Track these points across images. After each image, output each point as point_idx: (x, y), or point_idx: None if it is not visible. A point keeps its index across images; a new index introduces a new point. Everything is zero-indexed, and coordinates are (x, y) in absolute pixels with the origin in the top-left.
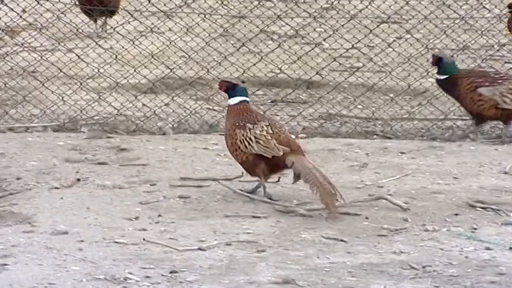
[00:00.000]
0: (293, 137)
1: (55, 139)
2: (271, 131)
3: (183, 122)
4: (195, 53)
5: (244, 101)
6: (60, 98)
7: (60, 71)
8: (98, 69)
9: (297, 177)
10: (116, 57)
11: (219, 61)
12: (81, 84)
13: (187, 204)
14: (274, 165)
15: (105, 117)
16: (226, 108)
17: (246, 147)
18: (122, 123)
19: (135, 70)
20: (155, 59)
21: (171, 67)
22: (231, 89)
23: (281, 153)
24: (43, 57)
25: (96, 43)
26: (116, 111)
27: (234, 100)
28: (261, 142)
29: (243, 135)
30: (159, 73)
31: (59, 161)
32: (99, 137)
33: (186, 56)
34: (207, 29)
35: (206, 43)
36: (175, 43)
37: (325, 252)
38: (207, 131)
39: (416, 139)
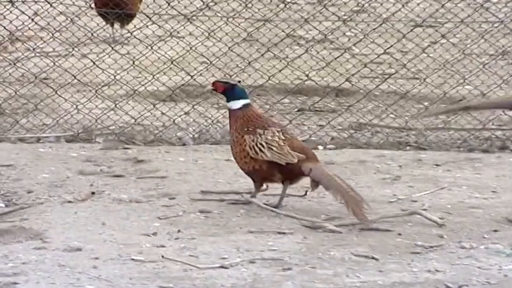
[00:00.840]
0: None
1: (68, 150)
2: (283, 137)
3: (204, 132)
4: (217, 59)
5: (248, 104)
6: (74, 106)
7: (74, 77)
8: (114, 76)
9: (315, 185)
10: (133, 63)
11: (243, 67)
12: (96, 91)
13: (208, 220)
14: (288, 173)
15: (121, 126)
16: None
17: (256, 153)
18: (139, 133)
19: (153, 77)
20: (175, 65)
21: (191, 73)
22: (229, 90)
23: (295, 160)
24: (56, 63)
25: (113, 48)
26: (133, 120)
27: (236, 104)
28: (274, 148)
29: (253, 140)
30: (179, 80)
31: (72, 173)
32: (115, 148)
33: (208, 61)
34: (229, 33)
35: (229, 48)
36: (196, 48)
37: (355, 271)
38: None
39: (452, 150)
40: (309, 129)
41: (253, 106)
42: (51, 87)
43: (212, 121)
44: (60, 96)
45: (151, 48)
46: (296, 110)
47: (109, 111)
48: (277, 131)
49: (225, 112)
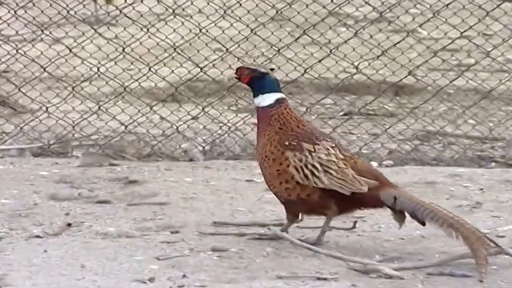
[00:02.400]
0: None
1: (36, 167)
2: (341, 156)
3: (219, 143)
4: (236, 45)
5: (282, 99)
6: (44, 108)
7: (44, 70)
8: (98, 68)
9: (402, 218)
10: (123, 50)
11: (270, 56)
12: (73, 89)
13: (223, 260)
14: (351, 204)
15: (107, 136)
16: (255, 113)
17: (306, 177)
18: (131, 145)
19: (150, 69)
20: (179, 54)
21: (201, 65)
22: (258, 80)
23: (365, 189)
24: (19, 51)
25: (95, 30)
26: (123, 127)
27: (266, 99)
28: (333, 172)
29: (300, 160)
30: (184, 73)
31: (41, 199)
32: (99, 165)
33: (223, 49)
34: (252, 10)
35: (251, 31)
36: (207, 31)
37: None
38: (253, 155)
39: None
40: (359, 140)
41: (289, 104)
42: (13, 83)
43: (229, 128)
44: (24, 94)
45: (148, 30)
46: (341, 113)
47: (91, 115)
48: (331, 147)
49: (247, 117)
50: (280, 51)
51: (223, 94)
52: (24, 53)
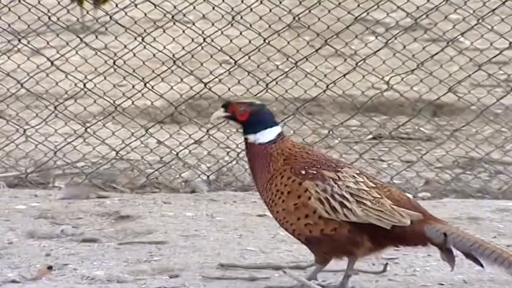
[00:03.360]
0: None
1: (11, 200)
2: (372, 184)
3: (226, 171)
4: (246, 57)
5: (282, 133)
6: (21, 131)
7: (21, 86)
8: (84, 84)
9: (451, 258)
10: (114, 63)
11: (286, 70)
12: (55, 108)
13: None
14: (385, 241)
15: (95, 163)
16: (248, 150)
17: (334, 211)
18: (123, 174)
19: (145, 85)
20: (179, 67)
21: (205, 80)
22: (257, 115)
23: (408, 222)
24: None
25: (82, 40)
26: (114, 153)
27: (267, 134)
28: (367, 203)
29: (324, 190)
30: (186, 90)
31: (17, 237)
32: (85, 197)
33: (231, 61)
34: (265, 16)
35: (264, 40)
36: (212, 40)
37: None
38: None
39: None
40: (390, 168)
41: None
42: None
43: (237, 154)
44: None
45: (142, 39)
46: (369, 137)
47: (76, 138)
48: (357, 174)
49: None
50: (298, 64)
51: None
52: None
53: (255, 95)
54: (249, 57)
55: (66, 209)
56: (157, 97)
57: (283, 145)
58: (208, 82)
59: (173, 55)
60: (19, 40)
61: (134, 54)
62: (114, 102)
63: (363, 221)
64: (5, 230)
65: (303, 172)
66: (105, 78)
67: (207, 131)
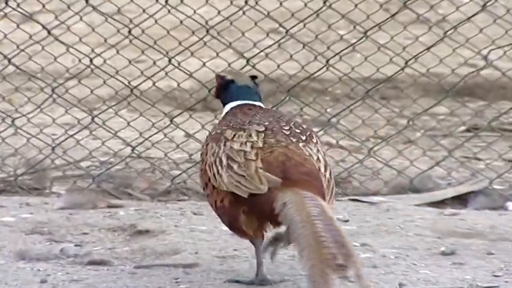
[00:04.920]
0: (313, 151)
1: None
2: (261, 144)
3: None
4: (300, 25)
5: (250, 104)
6: (8, 121)
7: (9, 61)
8: (91, 60)
9: (276, 241)
10: (130, 32)
11: (353, 41)
12: (53, 91)
13: None
14: (257, 214)
15: (104, 162)
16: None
17: (214, 177)
18: (141, 177)
19: (170, 61)
20: (213, 37)
21: (247, 55)
22: (222, 90)
23: (265, 189)
24: None
25: (87, 2)
26: (129, 149)
27: (225, 110)
28: (235, 166)
29: (213, 153)
30: (222, 67)
31: (4, 258)
32: (92, 206)
33: (281, 30)
34: None
35: (324, 3)
36: (256, 3)
37: None
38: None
39: None
40: (488, 169)
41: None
42: None
43: None
44: None
45: (166, 2)
46: (462, 128)
47: (80, 130)
48: (259, 132)
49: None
50: (368, 33)
51: (282, 99)
52: None
53: (312, 74)
54: (305, 25)
55: (67, 221)
56: (186, 77)
57: (231, 111)
58: (252, 57)
59: (206, 22)
60: (6, 2)
61: (156, 21)
62: (129, 83)
63: (228, 189)
64: None
65: (213, 133)
66: (117, 52)
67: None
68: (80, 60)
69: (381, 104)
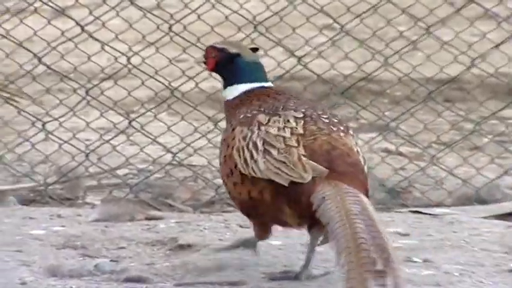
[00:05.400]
0: (353, 142)
1: (25, 222)
2: (301, 130)
3: None
4: (356, 20)
5: (255, 89)
6: (39, 125)
7: (39, 60)
8: (128, 59)
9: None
10: (170, 29)
11: (413, 38)
12: (87, 93)
13: None
14: (294, 202)
15: (143, 170)
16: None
17: (245, 164)
18: (182, 186)
19: None
20: (261, 34)
21: (298, 53)
22: (224, 65)
23: (308, 177)
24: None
25: None
26: (169, 156)
27: (234, 91)
28: (274, 152)
29: (244, 138)
30: (272, 67)
31: (33, 274)
32: (129, 218)
33: (335, 26)
34: None
35: None
36: None
37: None
38: (391, 202)
39: None
40: None
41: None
42: None
43: None
44: (6, 101)
45: None
46: None
47: (116, 135)
48: (297, 118)
49: (374, 138)
50: (431, 30)
51: (336, 101)
52: (7, 33)
53: (369, 74)
54: (361, 21)
55: (102, 235)
56: None
57: (245, 96)
58: (303, 56)
59: (254, 18)
60: None
61: (199, 17)
62: (169, 84)
63: (265, 176)
64: (16, 264)
65: (241, 117)
66: (157, 50)
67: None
68: (116, 59)
69: (445, 107)
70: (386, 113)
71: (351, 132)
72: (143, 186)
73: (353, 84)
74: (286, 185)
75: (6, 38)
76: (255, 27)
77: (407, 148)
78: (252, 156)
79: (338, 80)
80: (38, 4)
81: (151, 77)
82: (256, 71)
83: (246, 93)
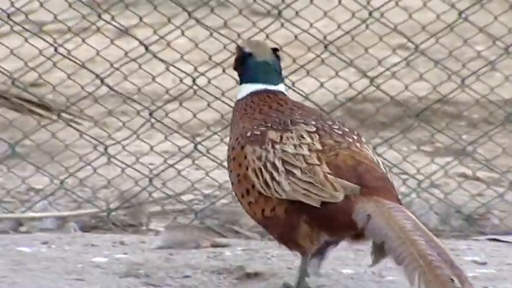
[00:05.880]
0: (370, 152)
1: (86, 249)
2: (319, 146)
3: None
4: (432, 40)
5: (262, 91)
6: (101, 148)
7: (101, 81)
8: (194, 80)
9: (380, 252)
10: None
11: (492, 59)
12: (151, 115)
13: None
14: (326, 224)
15: (208, 196)
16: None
17: (266, 185)
18: None
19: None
20: (333, 54)
21: (370, 74)
22: (240, 64)
23: (341, 196)
24: (58, 49)
25: (190, 14)
26: None
27: (243, 90)
28: (297, 173)
29: (259, 158)
30: (342, 88)
31: None
32: (194, 245)
33: (410, 46)
34: None
35: (460, 14)
36: (381, 15)
37: None
38: (468, 229)
39: None
40: None
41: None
42: (46, 107)
43: (419, 184)
44: (68, 124)
45: (279, 14)
46: None
47: (181, 159)
48: (310, 132)
49: (449, 163)
50: (510, 49)
51: (411, 124)
52: (69, 53)
53: (445, 96)
54: (437, 40)
55: (166, 262)
56: (301, 98)
57: (249, 99)
58: (376, 76)
59: (324, 37)
60: (99, 15)
61: (267, 36)
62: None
63: (292, 198)
64: None
65: (248, 134)
66: (224, 71)
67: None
68: (181, 80)
69: None
70: (463, 137)
71: (363, 139)
72: (209, 212)
73: (428, 106)
74: (317, 205)
75: (68, 58)
76: (325, 47)
77: (485, 173)
78: (273, 178)
79: (412, 101)
80: (100, 23)
81: (217, 98)
82: (264, 72)
83: (251, 95)
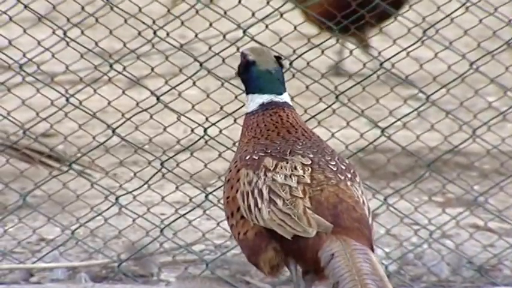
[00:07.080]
0: (359, 192)
1: None
2: (308, 180)
3: (413, 259)
4: (443, 90)
5: (272, 104)
6: (112, 198)
7: (113, 131)
8: (205, 130)
9: None
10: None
11: (503, 110)
12: (162, 165)
13: None
14: (296, 255)
15: (219, 246)
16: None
17: (248, 210)
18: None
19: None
20: (344, 105)
21: (381, 124)
22: (244, 72)
23: (313, 233)
24: (70, 99)
25: (201, 64)
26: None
27: (251, 103)
28: (279, 203)
29: (249, 182)
30: (353, 138)
31: None
32: None
33: (420, 96)
34: (473, 30)
35: (471, 65)
36: (392, 65)
37: None
38: (480, 280)
39: None
40: None
41: (291, 109)
42: (58, 157)
43: (430, 234)
44: (79, 174)
45: (290, 64)
46: None
47: (192, 209)
48: (305, 165)
49: (461, 214)
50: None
51: (422, 174)
52: (80, 103)
53: (456, 146)
54: (448, 90)
55: None
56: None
57: (261, 118)
58: (387, 127)
59: (335, 87)
60: (110, 65)
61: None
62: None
63: (268, 226)
64: None
65: (247, 157)
66: (235, 121)
67: (385, 198)
68: (192, 130)
69: None
70: (474, 187)
71: (357, 179)
72: (220, 262)
73: (439, 157)
74: (289, 238)
75: (79, 108)
76: (336, 98)
77: (496, 224)
78: (256, 204)
79: (423, 152)
80: (112, 74)
81: (228, 148)
82: (267, 82)
83: (263, 110)
